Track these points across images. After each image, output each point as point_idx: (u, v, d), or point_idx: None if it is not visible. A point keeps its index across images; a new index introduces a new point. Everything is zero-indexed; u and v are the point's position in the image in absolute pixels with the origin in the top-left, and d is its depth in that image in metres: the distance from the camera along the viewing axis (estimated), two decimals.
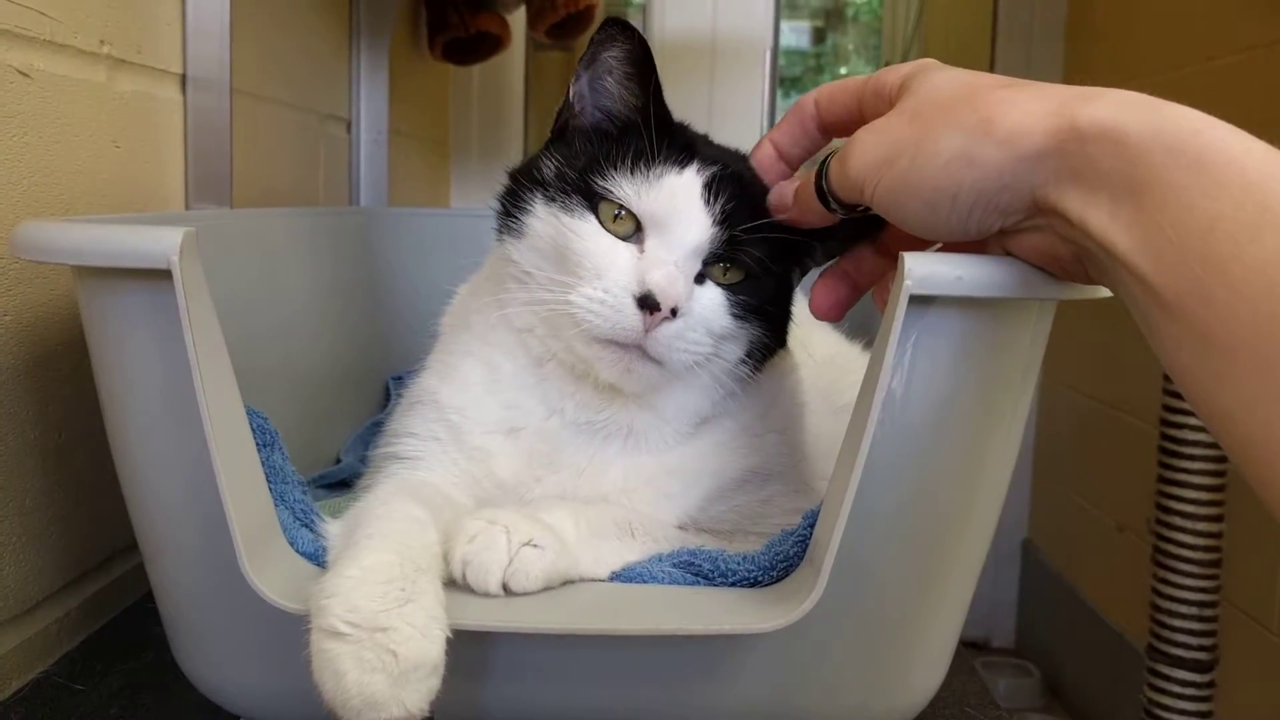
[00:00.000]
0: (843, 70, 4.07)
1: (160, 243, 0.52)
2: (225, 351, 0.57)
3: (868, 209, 0.59)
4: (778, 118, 2.42)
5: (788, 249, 0.67)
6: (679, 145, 0.68)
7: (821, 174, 0.61)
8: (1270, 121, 1.59)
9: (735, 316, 0.66)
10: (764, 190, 0.67)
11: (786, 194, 0.65)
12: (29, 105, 0.78)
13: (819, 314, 0.66)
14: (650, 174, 0.66)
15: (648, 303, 0.63)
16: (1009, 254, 0.54)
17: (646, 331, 0.63)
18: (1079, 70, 2.32)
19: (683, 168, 0.67)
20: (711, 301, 0.66)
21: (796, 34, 3.97)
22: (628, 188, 0.66)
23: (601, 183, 0.66)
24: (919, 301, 0.52)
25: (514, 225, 0.70)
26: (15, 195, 0.76)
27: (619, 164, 0.67)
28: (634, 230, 0.66)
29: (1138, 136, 0.45)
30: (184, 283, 0.52)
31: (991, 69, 2.48)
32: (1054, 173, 0.48)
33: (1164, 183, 0.44)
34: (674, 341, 0.64)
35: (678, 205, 0.65)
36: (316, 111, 1.47)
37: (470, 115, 2.28)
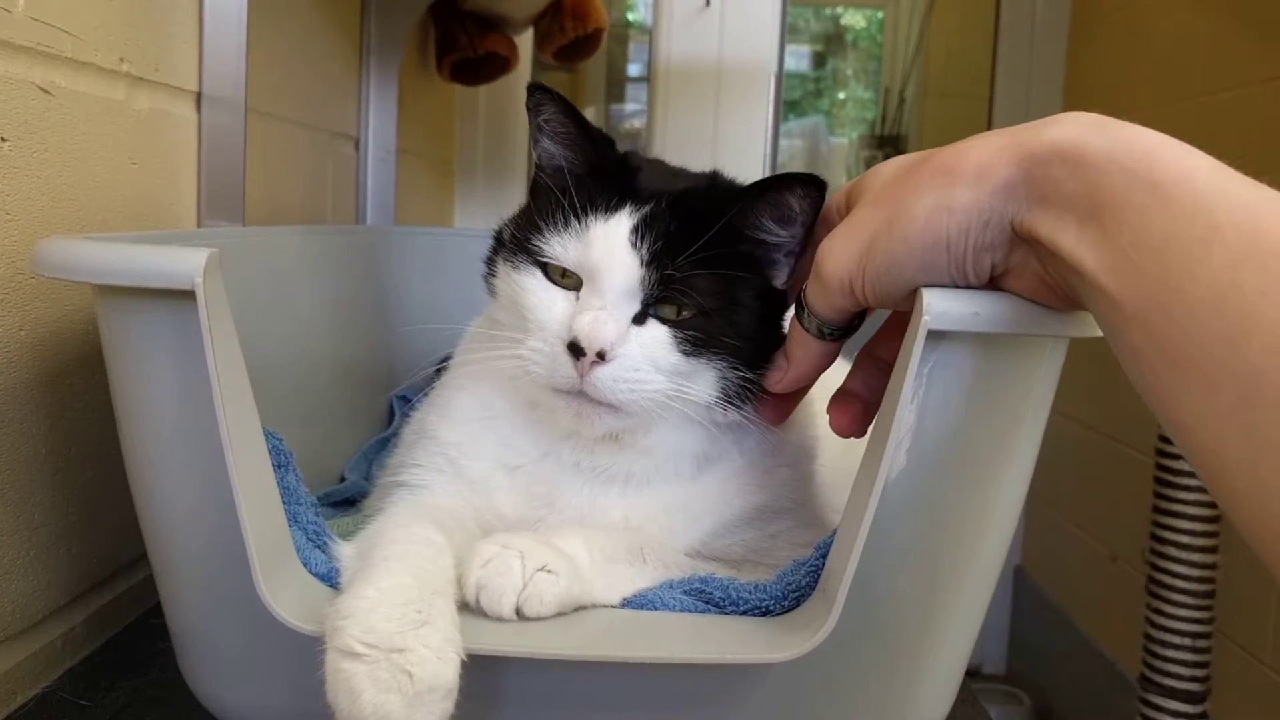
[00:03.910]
0: (841, 95, 4.10)
1: (185, 263, 0.53)
2: (245, 372, 0.58)
3: (862, 316, 0.61)
4: (780, 142, 2.43)
5: (739, 275, 0.67)
6: (613, 190, 0.68)
7: (802, 310, 0.62)
8: (1270, 156, 1.61)
9: (687, 353, 0.66)
10: (706, 219, 0.66)
11: (777, 362, 0.66)
12: (50, 122, 0.78)
13: (840, 433, 0.65)
14: (580, 226, 0.67)
15: (575, 349, 0.64)
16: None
17: (581, 377, 0.64)
18: (1079, 100, 2.34)
19: (611, 213, 0.67)
20: (653, 340, 0.66)
21: (796, 58, 4.00)
22: (557, 245, 0.68)
23: (538, 243, 0.69)
24: (934, 335, 0.53)
25: (490, 285, 0.74)
26: (34, 211, 0.77)
27: (554, 221, 0.68)
28: (579, 282, 0.68)
29: (1095, 158, 0.46)
30: (207, 303, 0.53)
31: (991, 98, 2.52)
32: (1025, 199, 0.49)
33: (1121, 203, 0.45)
34: (611, 384, 0.64)
35: (603, 252, 0.66)
36: (326, 130, 1.48)
37: (476, 136, 2.29)
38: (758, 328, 0.68)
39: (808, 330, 0.62)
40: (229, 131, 1.06)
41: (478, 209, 2.24)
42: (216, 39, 1.03)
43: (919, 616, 0.61)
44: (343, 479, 1.05)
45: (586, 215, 0.67)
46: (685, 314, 0.66)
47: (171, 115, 0.99)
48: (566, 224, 0.68)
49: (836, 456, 0.77)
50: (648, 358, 0.65)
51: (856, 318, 0.62)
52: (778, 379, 0.66)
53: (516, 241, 0.70)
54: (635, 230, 0.66)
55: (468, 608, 0.59)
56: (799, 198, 0.65)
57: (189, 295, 0.53)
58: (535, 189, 0.74)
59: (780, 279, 0.69)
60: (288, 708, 0.63)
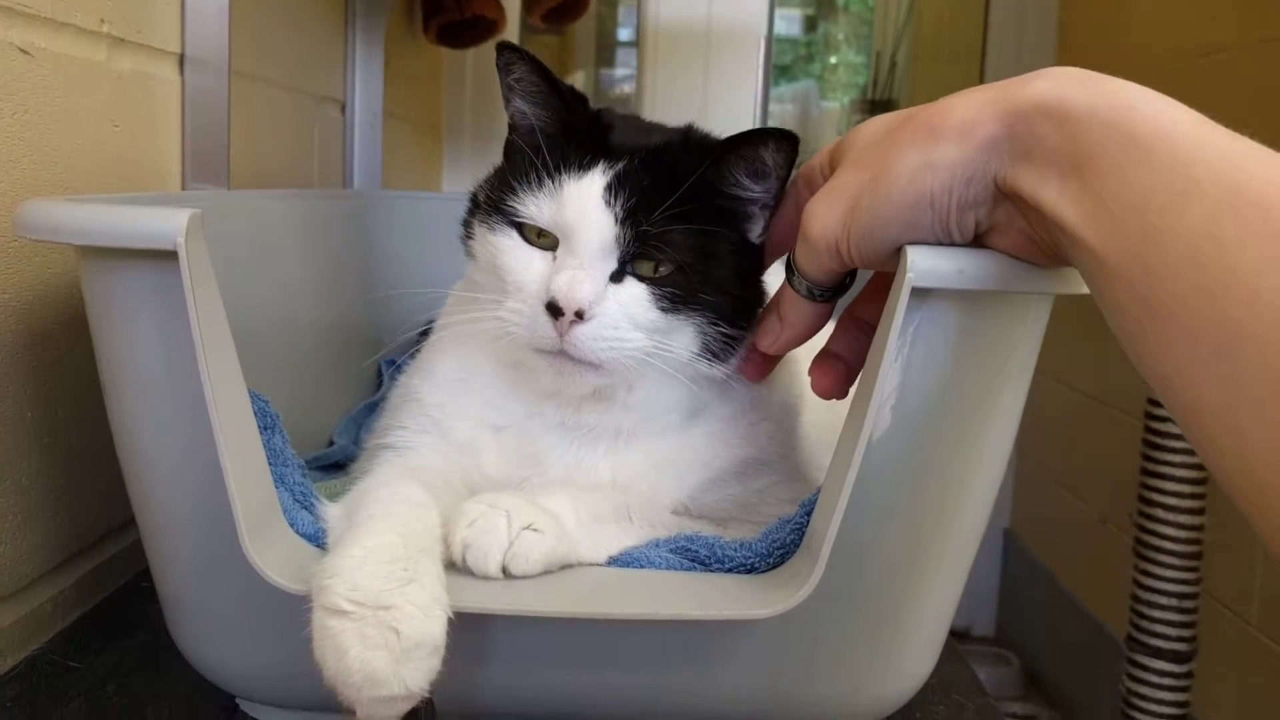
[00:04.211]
0: (833, 59, 4.07)
1: (167, 224, 0.53)
2: (229, 333, 0.58)
3: (852, 275, 0.61)
4: (771, 106, 2.42)
5: (714, 229, 0.67)
6: (586, 148, 0.68)
7: (792, 272, 0.62)
8: (1263, 118, 1.61)
9: (665, 309, 0.66)
10: (680, 174, 0.65)
11: (770, 324, 0.66)
12: (29, 83, 0.78)
13: (823, 395, 0.65)
14: (554, 185, 0.67)
15: (554, 308, 0.64)
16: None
17: (561, 336, 0.64)
18: (1071, 63, 2.33)
19: (585, 171, 0.67)
20: (631, 297, 0.66)
21: (788, 22, 3.96)
22: (532, 205, 0.67)
23: (513, 203, 0.68)
24: (919, 293, 0.53)
25: (467, 247, 0.73)
26: (15, 174, 0.76)
27: (528, 181, 0.68)
28: (555, 242, 0.67)
29: (1078, 113, 0.46)
30: (190, 264, 0.53)
31: (983, 59, 2.51)
32: (1008, 155, 0.49)
33: (1103, 157, 0.45)
34: (591, 343, 0.64)
35: (577, 211, 0.66)
36: (312, 93, 1.46)
37: (463, 99, 2.27)
38: (735, 282, 0.68)
39: (798, 292, 0.62)
40: (213, 94, 1.05)
41: (466, 173, 2.22)
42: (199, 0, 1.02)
43: (902, 574, 0.61)
44: (331, 443, 1.05)
45: (559, 174, 0.67)
46: (662, 270, 0.66)
47: (154, 77, 0.98)
48: (540, 183, 0.67)
49: (821, 414, 0.77)
50: (626, 315, 0.65)
51: (847, 278, 0.62)
52: (771, 341, 0.66)
53: (491, 203, 0.70)
54: (609, 188, 0.66)
55: (454, 566, 0.59)
56: (772, 152, 0.65)
57: (171, 256, 0.53)
58: (509, 149, 0.74)
59: (755, 233, 0.69)
60: (276, 667, 0.64)
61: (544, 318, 0.65)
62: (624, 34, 2.83)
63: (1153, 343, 0.43)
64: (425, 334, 0.83)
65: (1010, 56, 2.46)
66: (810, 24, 4.00)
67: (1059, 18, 2.43)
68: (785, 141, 0.64)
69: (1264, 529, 0.40)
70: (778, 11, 2.41)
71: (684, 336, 0.67)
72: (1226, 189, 0.41)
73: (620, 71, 2.82)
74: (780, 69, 3.83)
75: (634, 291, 0.66)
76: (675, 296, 0.66)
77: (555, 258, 0.67)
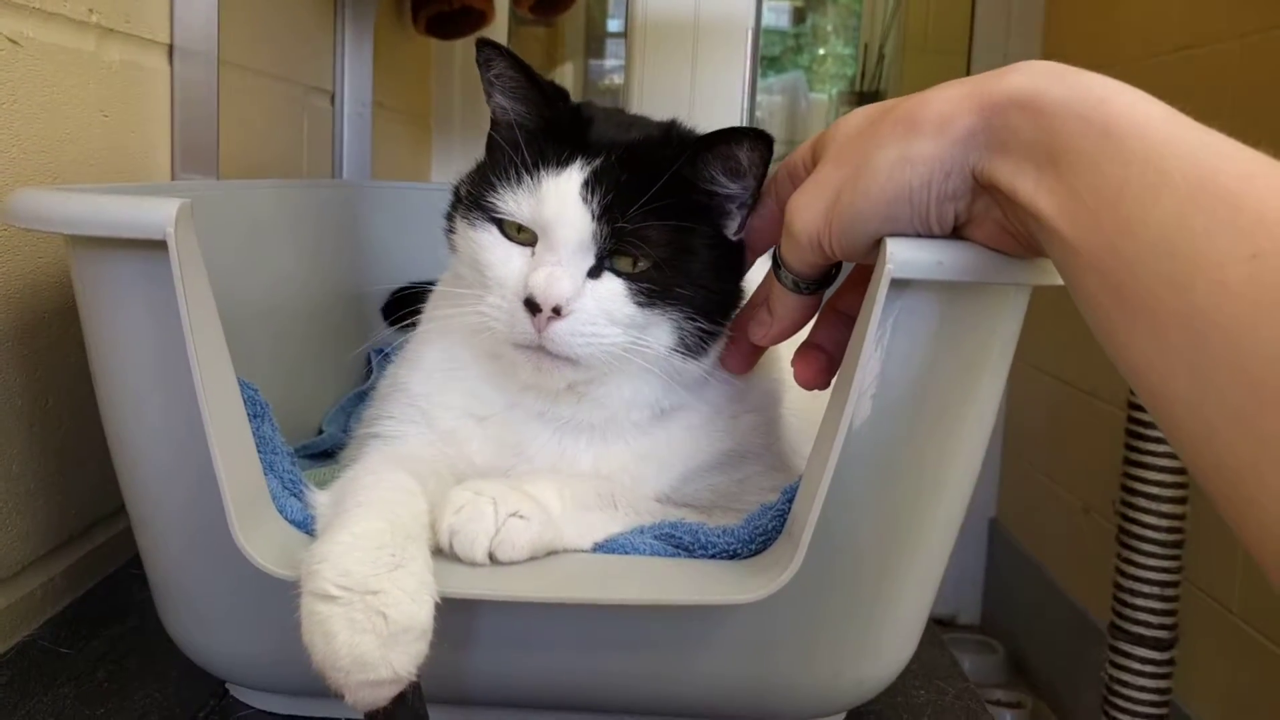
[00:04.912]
0: (821, 50, 4.07)
1: (156, 213, 0.53)
2: (218, 322, 0.58)
3: (838, 268, 0.62)
4: (759, 98, 2.42)
5: (691, 225, 0.67)
6: (564, 144, 0.68)
7: (778, 265, 0.63)
8: (1244, 110, 1.62)
9: (641, 304, 0.66)
10: (657, 170, 0.66)
11: (760, 316, 0.67)
12: (18, 73, 0.78)
13: (804, 386, 0.66)
14: (532, 181, 0.67)
15: (532, 305, 0.65)
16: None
17: (539, 332, 0.65)
18: (1057, 56, 2.33)
19: (563, 167, 0.67)
20: (609, 292, 0.66)
21: (776, 14, 3.96)
22: (511, 201, 0.68)
23: (493, 199, 0.68)
24: (898, 284, 0.54)
25: (450, 241, 0.74)
26: (4, 163, 0.76)
27: (507, 177, 0.68)
28: (534, 238, 0.68)
29: (1053, 106, 0.47)
30: (179, 253, 0.53)
31: (969, 53, 2.51)
32: (985, 147, 0.50)
33: (1077, 150, 0.46)
34: (569, 338, 0.65)
35: (555, 207, 0.66)
36: (301, 83, 1.46)
37: (452, 90, 2.27)
38: (712, 278, 0.68)
39: (784, 285, 0.63)
40: (202, 84, 1.05)
41: (455, 163, 2.22)
42: None
43: (882, 560, 0.62)
44: (320, 431, 1.06)
45: (538, 170, 0.67)
46: (639, 266, 0.67)
47: (143, 67, 0.98)
48: (519, 179, 0.68)
49: (804, 400, 0.78)
50: (603, 311, 0.66)
51: (832, 270, 0.62)
52: (763, 334, 0.67)
53: (472, 198, 0.70)
54: (586, 184, 0.66)
55: (442, 553, 0.60)
56: (747, 151, 0.65)
57: (161, 245, 0.53)
58: (490, 144, 0.74)
59: (732, 229, 0.69)
60: (266, 653, 0.65)
61: (522, 314, 0.65)
62: (613, 25, 2.83)
63: (1124, 333, 0.44)
64: (396, 301, 0.82)
65: (997, 47, 2.47)
66: (799, 16, 4.00)
67: (1045, 9, 2.44)
68: (760, 141, 0.65)
69: (1232, 517, 0.41)
70: (766, 3, 2.42)
71: (661, 332, 0.68)
72: (1195, 181, 0.42)
73: (609, 63, 2.82)
74: (768, 60, 3.83)
75: (611, 287, 0.66)
76: (652, 292, 0.66)
77: (534, 253, 0.67)
